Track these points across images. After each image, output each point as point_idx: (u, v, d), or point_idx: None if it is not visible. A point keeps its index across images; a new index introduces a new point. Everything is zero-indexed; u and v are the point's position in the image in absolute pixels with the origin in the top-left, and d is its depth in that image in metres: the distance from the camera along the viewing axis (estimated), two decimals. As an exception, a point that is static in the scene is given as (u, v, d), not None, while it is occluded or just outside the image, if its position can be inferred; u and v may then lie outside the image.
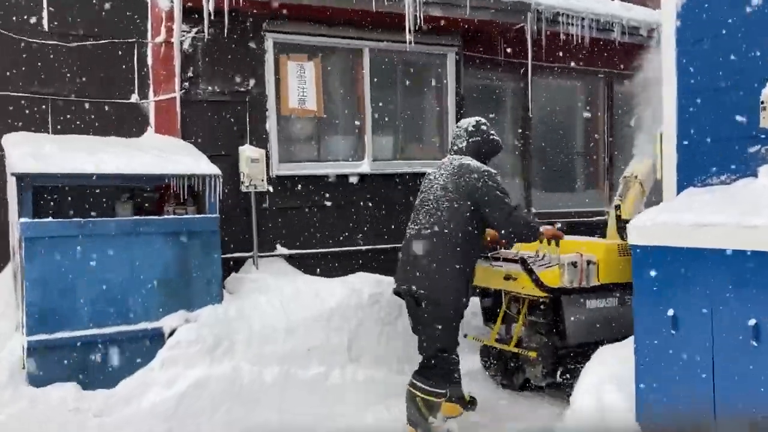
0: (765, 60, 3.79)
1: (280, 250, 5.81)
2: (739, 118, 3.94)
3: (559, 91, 7.68)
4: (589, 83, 7.85)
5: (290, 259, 5.83)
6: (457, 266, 4.19)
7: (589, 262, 4.74)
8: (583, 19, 7.06)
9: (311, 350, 4.95)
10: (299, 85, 5.86)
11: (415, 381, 4.28)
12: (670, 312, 3.74)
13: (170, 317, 4.72)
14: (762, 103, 3.65)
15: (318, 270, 5.87)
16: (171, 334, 4.67)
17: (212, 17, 5.33)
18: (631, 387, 3.98)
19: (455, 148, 4.52)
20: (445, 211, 4.24)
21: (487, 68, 7.10)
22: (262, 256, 5.68)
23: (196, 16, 5.35)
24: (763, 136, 3.79)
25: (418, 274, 4.23)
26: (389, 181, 6.23)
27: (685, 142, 4.28)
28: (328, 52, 6.06)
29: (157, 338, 4.66)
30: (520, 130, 7.36)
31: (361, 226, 6.15)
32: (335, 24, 5.89)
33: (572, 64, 7.55)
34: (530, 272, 4.55)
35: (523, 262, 4.57)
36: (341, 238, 6.07)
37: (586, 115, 7.89)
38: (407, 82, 6.43)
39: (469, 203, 4.22)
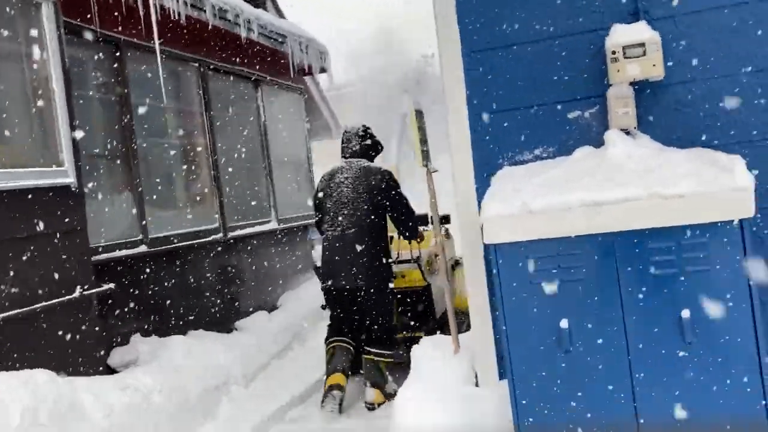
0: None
1: None
2: (562, 75, 3.32)
3: (165, 80, 5.97)
4: (185, 72, 6.39)
5: None
6: (384, 256, 4.91)
7: (435, 255, 5.56)
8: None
9: None
10: None
11: (373, 350, 4.86)
12: (564, 323, 2.88)
13: None
14: (614, 53, 3.10)
15: None
16: None
17: None
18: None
19: (349, 151, 5.07)
20: (363, 211, 4.82)
21: (85, 42, 4.99)
22: None
23: None
24: (599, 98, 3.26)
25: (355, 269, 4.75)
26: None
27: (484, 115, 3.48)
28: None
29: None
30: (121, 128, 5.43)
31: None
32: None
33: (170, 46, 6.01)
34: (421, 269, 5.38)
35: (418, 261, 5.40)
36: None
37: (186, 110, 6.42)
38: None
39: (378, 200, 4.83)
